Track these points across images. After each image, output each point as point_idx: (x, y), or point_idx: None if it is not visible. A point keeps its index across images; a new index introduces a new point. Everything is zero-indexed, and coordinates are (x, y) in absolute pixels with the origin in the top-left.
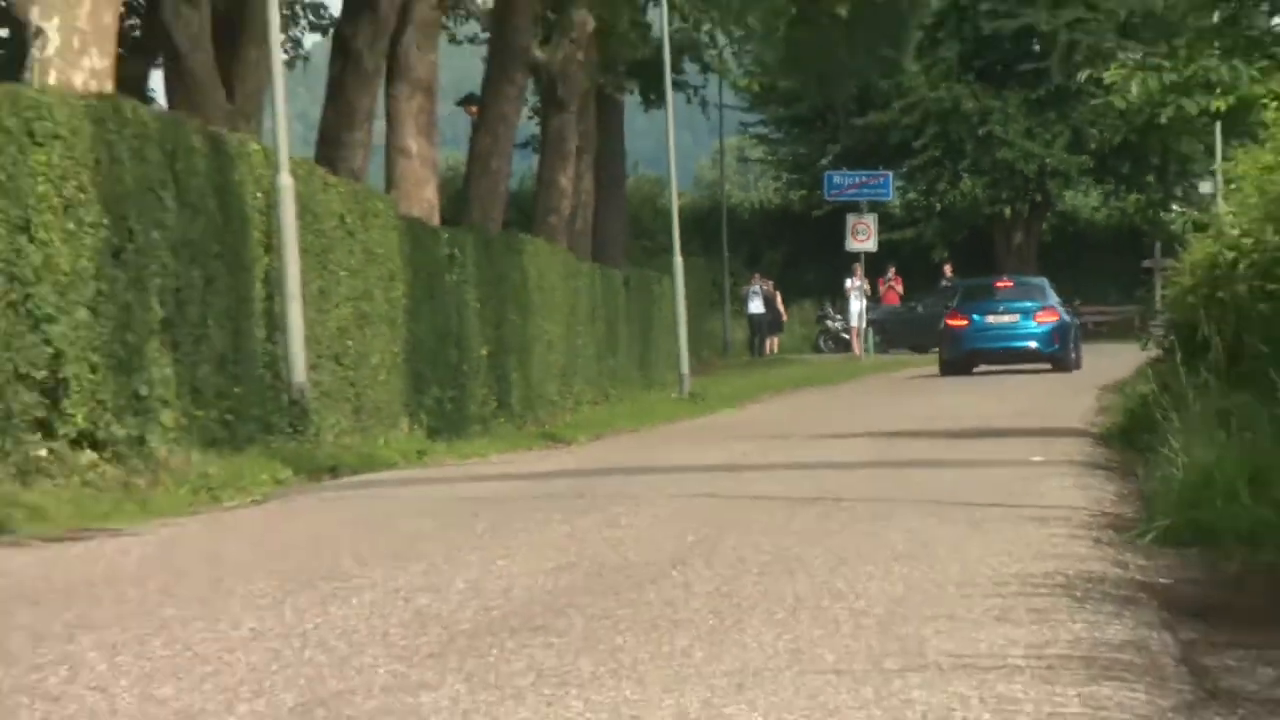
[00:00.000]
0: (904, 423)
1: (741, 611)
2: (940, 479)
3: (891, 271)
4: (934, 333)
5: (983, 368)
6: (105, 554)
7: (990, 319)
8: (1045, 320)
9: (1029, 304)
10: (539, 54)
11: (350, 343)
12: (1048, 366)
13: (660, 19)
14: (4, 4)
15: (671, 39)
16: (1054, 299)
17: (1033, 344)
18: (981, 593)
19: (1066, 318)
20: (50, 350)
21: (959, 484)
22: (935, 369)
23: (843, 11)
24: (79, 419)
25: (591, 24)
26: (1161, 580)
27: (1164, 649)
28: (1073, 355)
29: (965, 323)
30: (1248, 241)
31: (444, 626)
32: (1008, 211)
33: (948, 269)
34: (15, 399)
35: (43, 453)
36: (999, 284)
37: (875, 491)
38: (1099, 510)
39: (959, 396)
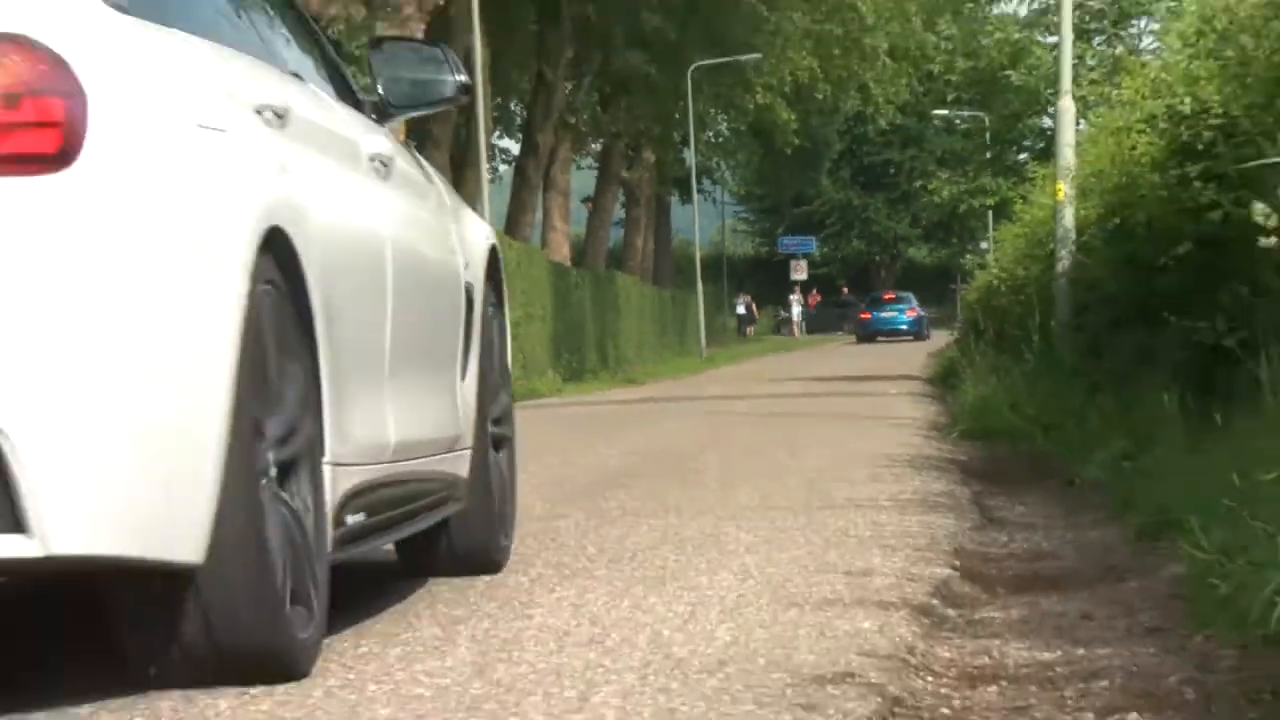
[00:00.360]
0: (825, 372)
1: (735, 476)
2: (843, 402)
3: (814, 290)
4: (836, 323)
5: (880, 341)
6: None
7: (883, 314)
8: (911, 314)
9: (903, 306)
10: (625, 174)
11: (521, 328)
12: (912, 339)
13: (690, 157)
14: None
15: (696, 166)
16: (915, 303)
17: (905, 327)
18: (864, 464)
19: (921, 313)
20: None
21: (853, 405)
22: (842, 344)
23: (788, 151)
24: None
25: (653, 158)
26: (961, 458)
27: (963, 496)
28: (926, 333)
29: (870, 316)
30: (1005, 274)
31: (573, 484)
32: (878, 258)
33: (844, 290)
34: None
35: None
36: (886, 296)
37: (807, 409)
38: (927, 419)
39: (858, 359)
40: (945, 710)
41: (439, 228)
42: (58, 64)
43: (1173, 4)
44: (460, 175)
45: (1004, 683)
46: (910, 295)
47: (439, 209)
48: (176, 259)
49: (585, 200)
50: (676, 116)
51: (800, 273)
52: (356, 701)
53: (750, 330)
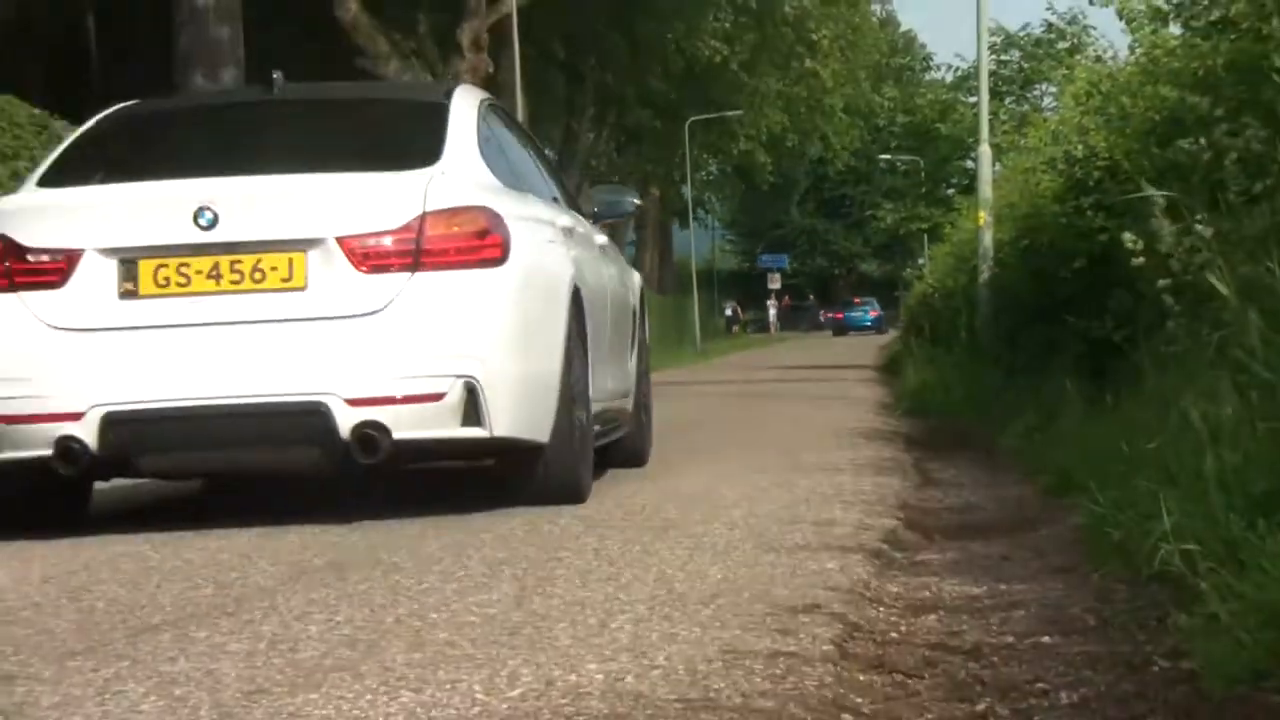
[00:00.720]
0: (796, 362)
1: (722, 446)
2: (810, 387)
3: (786, 297)
4: (799, 321)
5: (851, 334)
6: None
7: (853, 313)
8: (874, 314)
9: (867, 307)
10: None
11: None
12: (875, 332)
13: (687, 191)
14: None
15: (691, 198)
16: (877, 305)
17: (869, 323)
18: (829, 435)
19: (881, 313)
20: None
21: (818, 389)
22: (806, 340)
23: (765, 187)
24: None
25: (658, 193)
26: (905, 430)
27: (906, 461)
28: (885, 329)
29: (843, 315)
30: (937, 284)
31: None
32: (837, 271)
33: (810, 296)
34: None
35: None
36: (856, 300)
37: (781, 392)
38: (877, 400)
39: (823, 351)
40: (894, 634)
41: (622, 279)
42: (496, 217)
43: (1066, 72)
44: None
45: (941, 612)
46: (873, 299)
47: (622, 269)
48: (545, 299)
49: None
50: (676, 160)
51: (775, 283)
52: (420, 627)
53: (735, 329)
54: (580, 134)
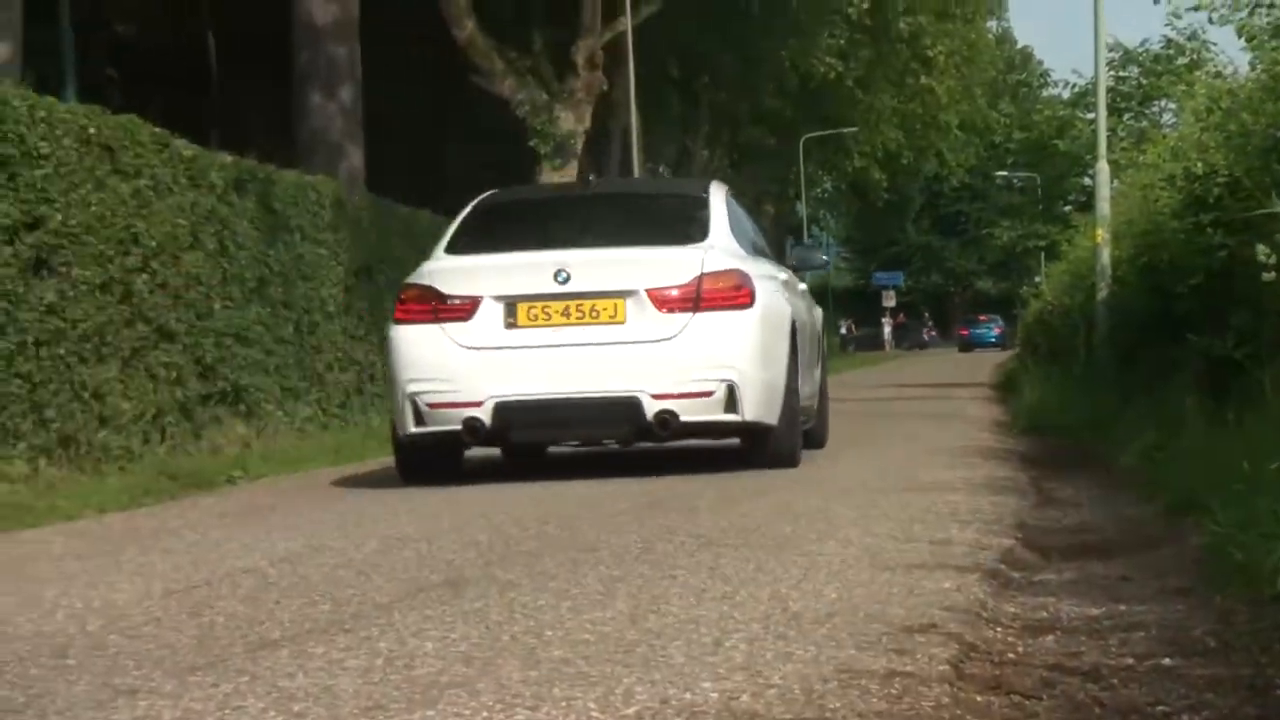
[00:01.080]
0: (910, 380)
1: (839, 463)
2: (925, 405)
3: (901, 315)
4: (905, 340)
5: (976, 350)
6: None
7: (978, 330)
8: (998, 331)
9: (991, 324)
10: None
11: None
12: (1000, 349)
13: (801, 209)
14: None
15: (806, 216)
16: (1001, 322)
17: (994, 340)
18: (943, 453)
19: (1005, 329)
20: None
21: (933, 407)
22: (916, 357)
23: (880, 204)
24: None
25: (773, 211)
26: (1022, 449)
27: (1024, 480)
28: (1009, 345)
29: (968, 332)
30: (1055, 302)
31: None
32: (952, 289)
33: (927, 314)
34: None
35: None
36: (982, 316)
37: (896, 410)
38: (993, 418)
39: (936, 369)
40: (1011, 655)
41: (812, 313)
42: (746, 276)
43: (1186, 88)
44: None
45: (1059, 633)
46: (998, 316)
47: (811, 305)
48: (776, 329)
49: None
50: (791, 177)
51: (889, 301)
52: (535, 645)
53: (850, 348)
54: (695, 152)
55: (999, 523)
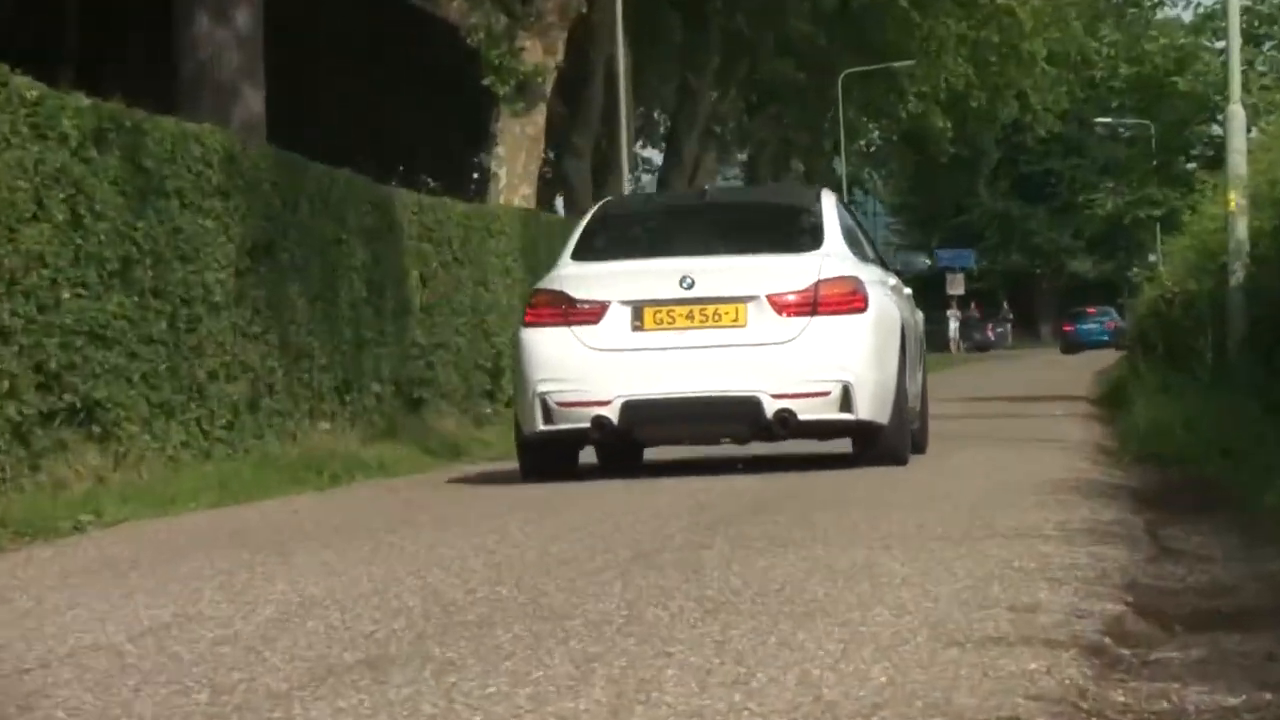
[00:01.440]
0: (986, 391)
1: (894, 502)
2: (1005, 424)
3: (973, 305)
4: (967, 339)
5: (1085, 351)
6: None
7: (1086, 326)
8: (1110, 326)
9: (1103, 318)
10: None
11: None
12: (1114, 349)
13: (840, 165)
14: (476, 160)
15: (846, 175)
16: (1115, 316)
17: (1106, 338)
18: (1028, 490)
19: (1120, 324)
20: (494, 351)
21: (1015, 427)
22: (989, 359)
23: (944, 160)
24: (509, 391)
25: (802, 168)
26: (1133, 484)
27: (1135, 525)
28: (1122, 344)
29: (1073, 328)
30: (1176, 289)
31: (714, 510)
32: (1039, 271)
33: (1005, 304)
34: (474, 379)
35: (488, 410)
36: (1089, 309)
37: (968, 431)
38: (1095, 442)
39: (1019, 376)
40: None
41: (915, 316)
42: (860, 283)
43: None
44: (601, 185)
45: None
46: (1110, 309)
47: (913, 308)
48: (887, 333)
49: None
50: (826, 125)
51: (957, 287)
52: None
53: None
54: (700, 92)
55: (1103, 582)
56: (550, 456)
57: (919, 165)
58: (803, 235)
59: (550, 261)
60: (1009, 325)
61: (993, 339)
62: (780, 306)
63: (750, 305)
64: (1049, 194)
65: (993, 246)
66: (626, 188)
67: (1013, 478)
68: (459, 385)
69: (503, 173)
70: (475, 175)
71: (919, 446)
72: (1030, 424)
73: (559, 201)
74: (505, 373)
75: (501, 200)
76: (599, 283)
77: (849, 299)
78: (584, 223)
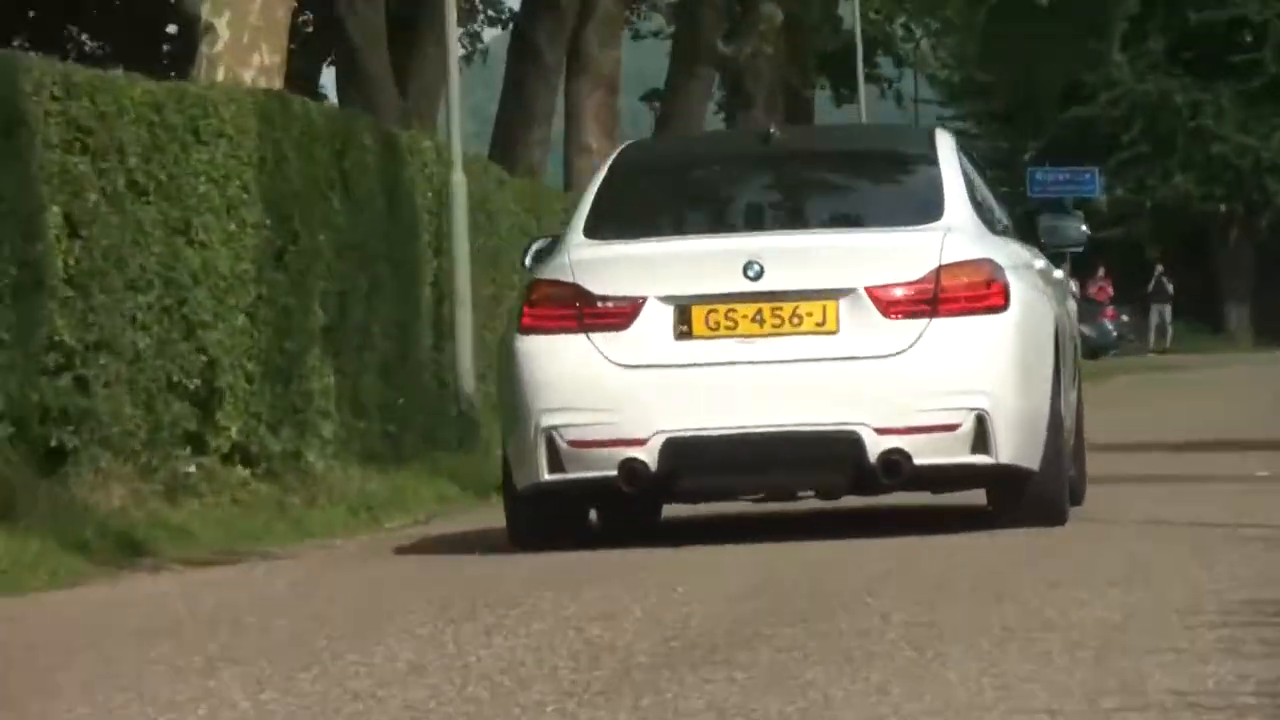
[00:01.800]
0: (1150, 424)
1: (942, 638)
2: (1162, 493)
3: (1101, 272)
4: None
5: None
6: (253, 579)
7: None
8: None
9: None
10: (725, 49)
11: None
12: None
13: (853, 11)
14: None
15: (864, 31)
16: None
17: None
18: (1207, 622)
19: None
20: (205, 358)
21: (1180, 499)
22: (1119, 368)
23: (1044, 1)
24: (232, 432)
25: (780, 17)
26: None
27: None
28: None
29: None
30: None
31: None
32: (1222, 208)
33: (1158, 265)
34: (166, 410)
35: (192, 469)
36: None
37: (1090, 510)
38: None
39: (1183, 405)
40: None
41: (1065, 302)
42: (999, 268)
43: None
44: (407, 55)
45: None
46: None
47: (1066, 295)
48: (1038, 340)
49: (648, 97)
50: None
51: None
52: None
53: None
54: None
55: None
56: (553, 515)
57: (991, 17)
58: (914, 200)
59: (345, 201)
60: (1166, 309)
61: (1117, 334)
62: (886, 304)
63: (843, 303)
64: (1238, 67)
65: (1134, 161)
66: (453, 60)
67: (1172, 595)
68: (138, 423)
69: (221, 24)
70: (170, 30)
71: (1075, 495)
72: (1208, 491)
73: (327, 77)
74: (221, 397)
75: (220, 75)
76: (627, 270)
77: (983, 292)
78: (598, 180)
